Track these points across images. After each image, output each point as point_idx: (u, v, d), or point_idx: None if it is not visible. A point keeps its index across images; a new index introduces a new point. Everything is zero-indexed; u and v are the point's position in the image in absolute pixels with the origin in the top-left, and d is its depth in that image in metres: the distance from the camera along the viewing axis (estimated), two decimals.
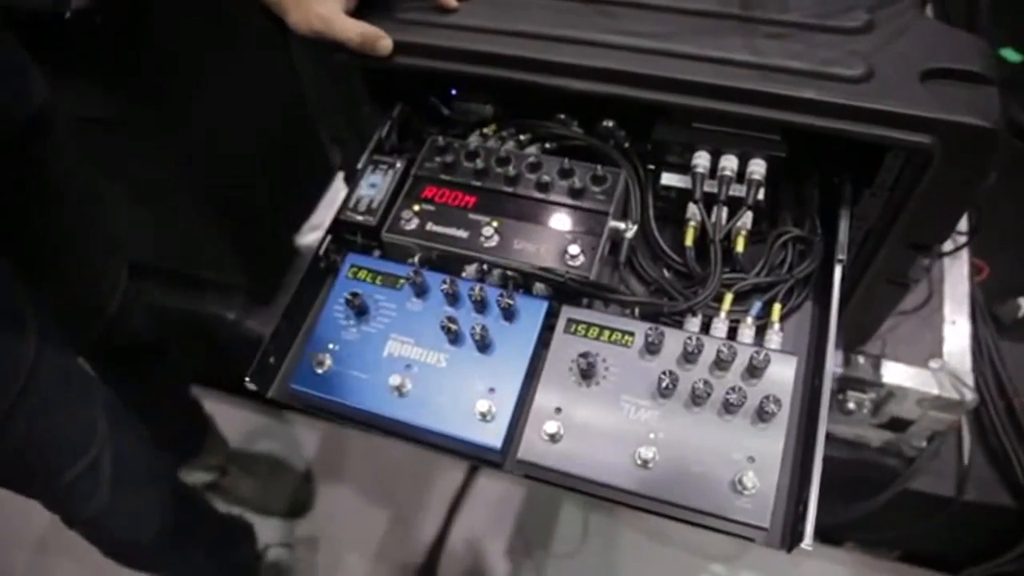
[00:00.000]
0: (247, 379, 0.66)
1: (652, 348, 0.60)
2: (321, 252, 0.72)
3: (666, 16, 0.69)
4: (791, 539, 0.55)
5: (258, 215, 1.31)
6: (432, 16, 0.73)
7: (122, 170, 1.15)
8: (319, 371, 0.64)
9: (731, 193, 0.68)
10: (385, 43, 0.70)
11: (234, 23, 1.16)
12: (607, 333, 0.62)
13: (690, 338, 0.59)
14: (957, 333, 1.00)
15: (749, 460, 0.55)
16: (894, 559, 1.39)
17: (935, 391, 0.93)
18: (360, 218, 0.72)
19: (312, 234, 1.22)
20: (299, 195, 1.44)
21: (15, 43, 0.82)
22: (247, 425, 1.60)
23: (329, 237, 0.73)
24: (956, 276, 1.05)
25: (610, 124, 0.76)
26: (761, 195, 0.68)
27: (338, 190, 1.30)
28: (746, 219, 0.68)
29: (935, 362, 0.95)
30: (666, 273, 0.72)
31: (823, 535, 1.40)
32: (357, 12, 0.72)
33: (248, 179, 1.27)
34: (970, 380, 0.94)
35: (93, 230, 1.00)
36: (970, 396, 0.93)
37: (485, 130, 0.78)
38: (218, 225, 1.24)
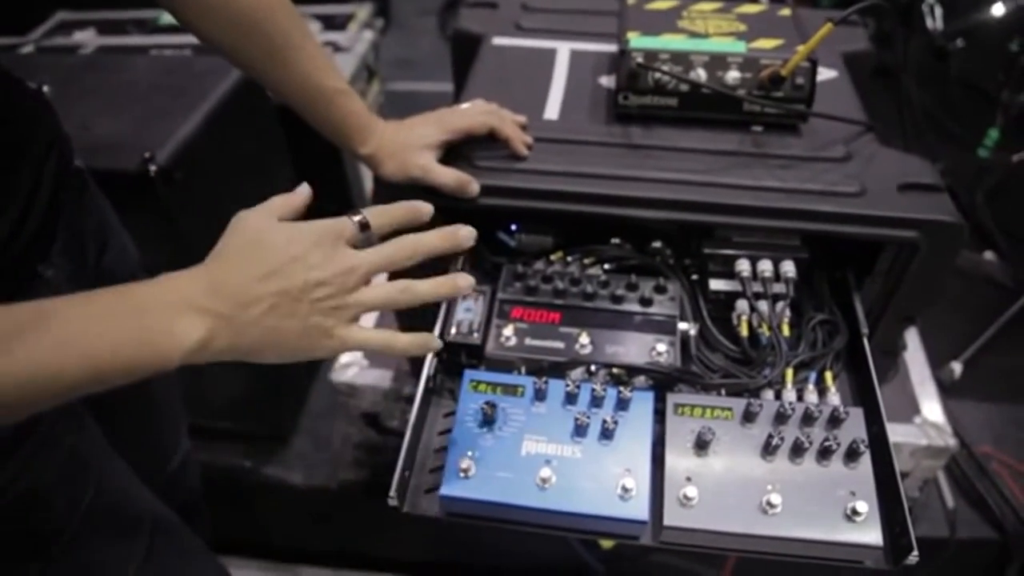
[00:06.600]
0: (391, 495, 0.76)
1: (750, 416, 0.78)
2: (432, 373, 0.85)
3: (700, 156, 0.92)
4: (895, 556, 0.72)
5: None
6: (507, 163, 0.92)
7: None
8: (465, 477, 0.76)
9: (771, 291, 0.89)
10: (474, 187, 0.88)
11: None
12: (710, 410, 0.79)
13: (783, 405, 0.77)
14: (926, 393, 1.25)
15: (851, 494, 0.72)
16: None
17: (924, 442, 1.15)
18: (465, 339, 0.87)
19: (340, 373, 1.31)
20: None
21: (109, 206, 0.91)
22: None
23: (436, 359, 0.86)
24: (913, 346, 1.32)
25: (658, 244, 0.96)
26: (793, 290, 0.90)
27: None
28: (787, 310, 0.89)
29: (917, 418, 1.19)
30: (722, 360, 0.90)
31: None
32: (443, 161, 0.89)
33: None
34: (949, 429, 1.18)
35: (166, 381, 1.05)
36: (952, 442, 1.16)
37: (552, 257, 0.96)
38: (237, 374, 1.31)
